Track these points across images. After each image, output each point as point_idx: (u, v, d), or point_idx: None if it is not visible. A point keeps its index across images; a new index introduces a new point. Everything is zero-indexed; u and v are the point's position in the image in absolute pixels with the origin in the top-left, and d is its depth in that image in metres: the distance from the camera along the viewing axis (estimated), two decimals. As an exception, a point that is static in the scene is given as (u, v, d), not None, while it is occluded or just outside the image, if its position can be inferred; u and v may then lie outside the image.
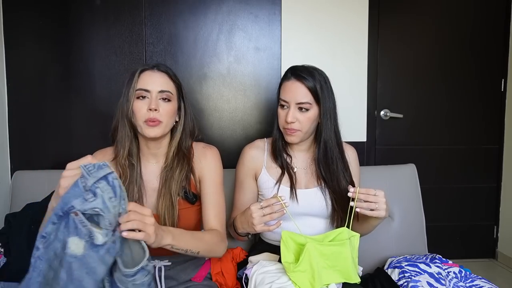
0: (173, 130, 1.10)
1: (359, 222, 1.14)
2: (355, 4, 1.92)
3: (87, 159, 0.77)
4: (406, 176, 1.53)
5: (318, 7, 1.90)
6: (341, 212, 1.14)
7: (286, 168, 1.19)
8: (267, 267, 1.07)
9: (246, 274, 1.11)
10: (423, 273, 1.18)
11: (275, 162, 1.21)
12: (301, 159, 1.23)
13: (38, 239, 0.75)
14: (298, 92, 1.11)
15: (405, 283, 1.14)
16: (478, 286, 1.13)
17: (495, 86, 2.23)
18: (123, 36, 1.77)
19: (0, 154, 1.68)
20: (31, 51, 1.72)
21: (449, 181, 2.22)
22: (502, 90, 2.23)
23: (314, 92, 1.11)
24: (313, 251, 0.97)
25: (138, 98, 1.02)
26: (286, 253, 1.01)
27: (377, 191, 1.02)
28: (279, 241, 1.03)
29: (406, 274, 1.18)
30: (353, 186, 1.13)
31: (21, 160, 1.74)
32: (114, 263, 0.77)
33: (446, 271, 1.20)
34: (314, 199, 1.17)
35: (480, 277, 1.18)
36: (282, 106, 1.15)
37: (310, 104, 1.11)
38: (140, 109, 1.01)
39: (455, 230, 2.26)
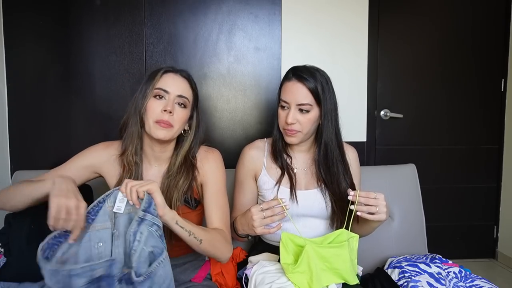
0: (179, 137, 1.09)
1: (359, 224, 1.14)
2: (355, 4, 1.92)
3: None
4: (406, 176, 1.53)
5: (318, 7, 1.90)
6: (341, 215, 1.13)
7: (286, 169, 1.18)
8: (267, 267, 1.07)
9: (246, 274, 1.11)
10: (423, 273, 1.18)
11: (275, 163, 1.20)
12: (301, 160, 1.22)
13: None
14: (298, 93, 1.10)
15: (405, 283, 1.14)
16: (478, 286, 1.13)
17: (495, 86, 2.23)
18: (123, 36, 1.77)
19: (0, 154, 1.68)
20: (31, 51, 1.72)
21: (449, 181, 2.22)
22: (502, 90, 2.23)
23: (315, 93, 1.09)
24: (312, 253, 0.97)
25: (155, 97, 1.01)
26: (286, 254, 1.01)
27: (377, 194, 1.01)
28: (279, 242, 1.02)
29: (406, 274, 1.18)
30: (353, 188, 1.12)
31: (21, 160, 1.74)
32: None
33: (446, 271, 1.20)
34: (314, 200, 1.16)
35: (480, 277, 1.18)
36: (283, 107, 1.14)
37: (310, 105, 1.10)
38: (155, 108, 1.00)
39: (455, 230, 2.26)
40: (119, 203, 0.87)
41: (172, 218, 0.90)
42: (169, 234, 0.97)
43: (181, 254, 1.13)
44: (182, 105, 1.03)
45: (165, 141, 1.04)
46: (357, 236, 1.05)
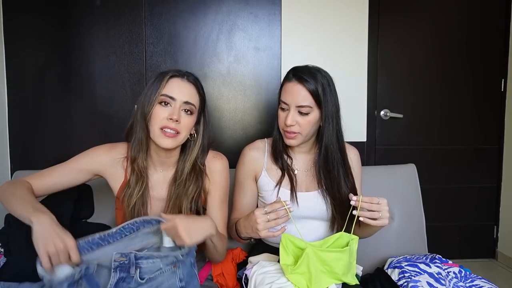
0: (185, 143, 1.07)
1: (361, 227, 1.12)
2: (355, 4, 1.92)
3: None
4: (406, 176, 1.53)
5: (318, 7, 1.90)
6: (341, 219, 1.11)
7: (286, 170, 1.16)
8: (267, 268, 1.07)
9: (246, 275, 1.11)
10: (423, 273, 1.18)
11: (276, 164, 1.18)
12: (302, 161, 1.20)
13: None
14: (298, 94, 1.07)
15: (405, 283, 1.14)
16: (478, 286, 1.13)
17: (495, 86, 2.22)
18: (123, 36, 1.77)
19: (0, 154, 1.68)
20: (31, 51, 1.72)
21: (449, 181, 2.22)
22: (502, 90, 2.23)
23: (315, 95, 1.06)
24: (312, 256, 0.97)
25: (160, 103, 0.98)
26: (285, 256, 1.00)
27: (380, 199, 0.99)
28: (279, 243, 1.02)
29: (406, 274, 1.18)
30: (355, 192, 1.11)
31: (21, 160, 1.74)
32: None
33: (446, 271, 1.20)
34: (315, 202, 1.15)
35: (480, 277, 1.18)
36: (282, 108, 1.12)
37: (310, 107, 1.07)
38: (160, 115, 0.97)
39: (455, 230, 2.26)
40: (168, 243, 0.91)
41: (210, 234, 0.94)
42: None
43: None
44: (189, 112, 1.00)
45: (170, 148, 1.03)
46: (357, 238, 1.04)
